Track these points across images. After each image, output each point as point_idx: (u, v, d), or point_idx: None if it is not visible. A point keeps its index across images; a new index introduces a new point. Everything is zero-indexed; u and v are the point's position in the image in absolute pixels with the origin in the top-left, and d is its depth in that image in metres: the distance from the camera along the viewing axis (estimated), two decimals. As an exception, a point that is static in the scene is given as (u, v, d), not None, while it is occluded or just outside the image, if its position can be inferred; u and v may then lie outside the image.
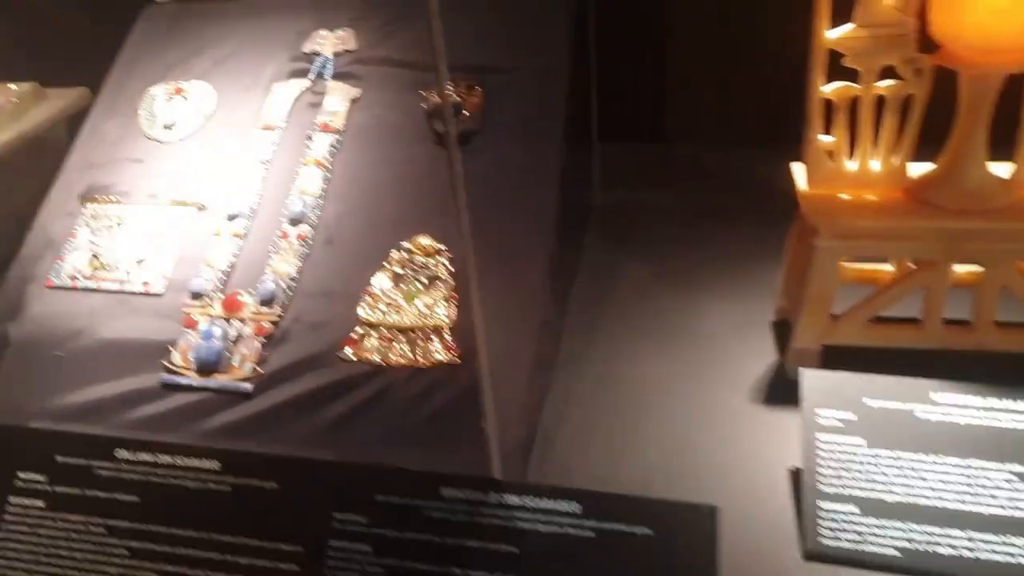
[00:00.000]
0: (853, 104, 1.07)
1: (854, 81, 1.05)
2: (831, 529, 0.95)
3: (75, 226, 1.39)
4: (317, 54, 1.48)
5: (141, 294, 1.30)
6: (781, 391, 1.19)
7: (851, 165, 1.10)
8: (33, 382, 1.24)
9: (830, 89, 1.06)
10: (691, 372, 1.25)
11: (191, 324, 1.24)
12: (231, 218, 1.33)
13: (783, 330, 1.28)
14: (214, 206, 1.36)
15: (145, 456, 1.04)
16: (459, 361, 1.14)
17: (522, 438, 1.10)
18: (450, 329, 1.17)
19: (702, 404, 1.19)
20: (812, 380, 1.03)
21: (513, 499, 0.92)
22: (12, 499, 1.04)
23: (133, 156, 1.45)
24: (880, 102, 1.06)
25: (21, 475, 1.06)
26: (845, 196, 1.11)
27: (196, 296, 1.26)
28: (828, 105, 1.08)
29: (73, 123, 1.76)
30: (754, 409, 1.18)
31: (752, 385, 1.21)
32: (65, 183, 1.46)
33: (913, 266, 1.13)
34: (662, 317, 1.36)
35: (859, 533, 0.95)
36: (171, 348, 1.22)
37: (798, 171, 1.16)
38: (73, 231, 1.38)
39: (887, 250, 1.11)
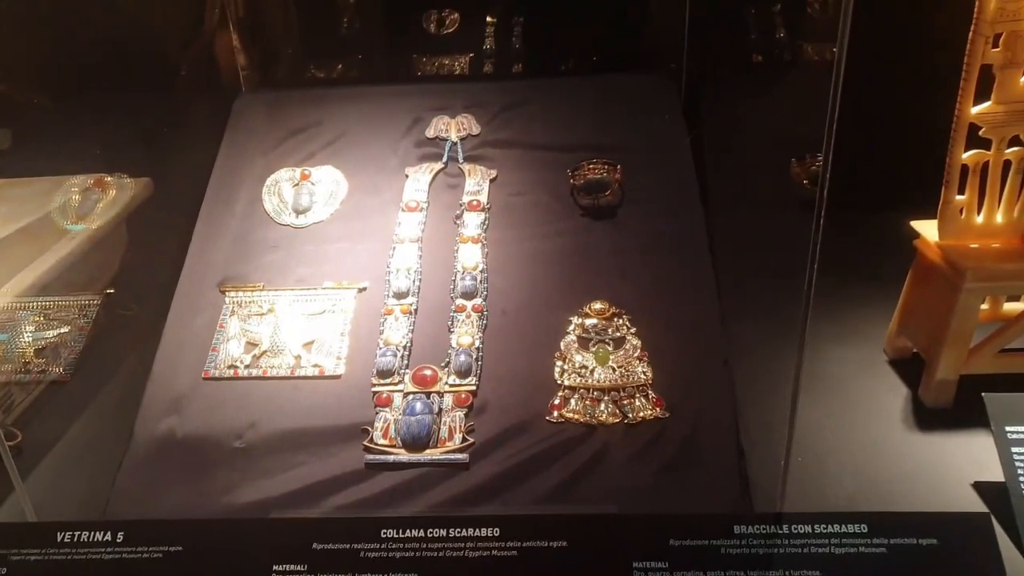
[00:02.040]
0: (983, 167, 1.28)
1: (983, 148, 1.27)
2: (1044, 531, 1.10)
3: (221, 315, 1.35)
4: (443, 139, 1.55)
5: (316, 377, 1.28)
6: (927, 420, 1.35)
7: (978, 219, 1.30)
8: (216, 478, 1.19)
9: (968, 156, 1.26)
10: (838, 411, 1.38)
11: (385, 403, 1.24)
12: (399, 296, 1.35)
13: (904, 368, 1.45)
14: (374, 286, 1.37)
15: (414, 532, 1.03)
16: (667, 415, 1.22)
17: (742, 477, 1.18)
18: (650, 386, 1.25)
19: (865, 439, 1.32)
20: (995, 401, 1.18)
21: (804, 528, 1.00)
22: (283, 592, 1.00)
23: (268, 243, 1.44)
24: (1006, 165, 1.27)
25: (277, 568, 1.01)
26: (975, 245, 1.30)
27: (384, 374, 1.26)
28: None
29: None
30: (912, 437, 1.32)
31: (901, 417, 1.36)
32: (192, 275, 1.41)
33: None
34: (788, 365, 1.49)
35: (1068, 531, 1.09)
36: (369, 428, 1.21)
37: (922, 227, 1.36)
38: (221, 321, 1.35)
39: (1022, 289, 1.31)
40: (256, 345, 1.31)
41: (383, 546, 1.02)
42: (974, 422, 1.30)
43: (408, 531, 1.03)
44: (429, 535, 1.02)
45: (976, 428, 1.30)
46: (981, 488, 1.20)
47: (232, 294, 1.37)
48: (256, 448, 1.21)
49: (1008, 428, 1.17)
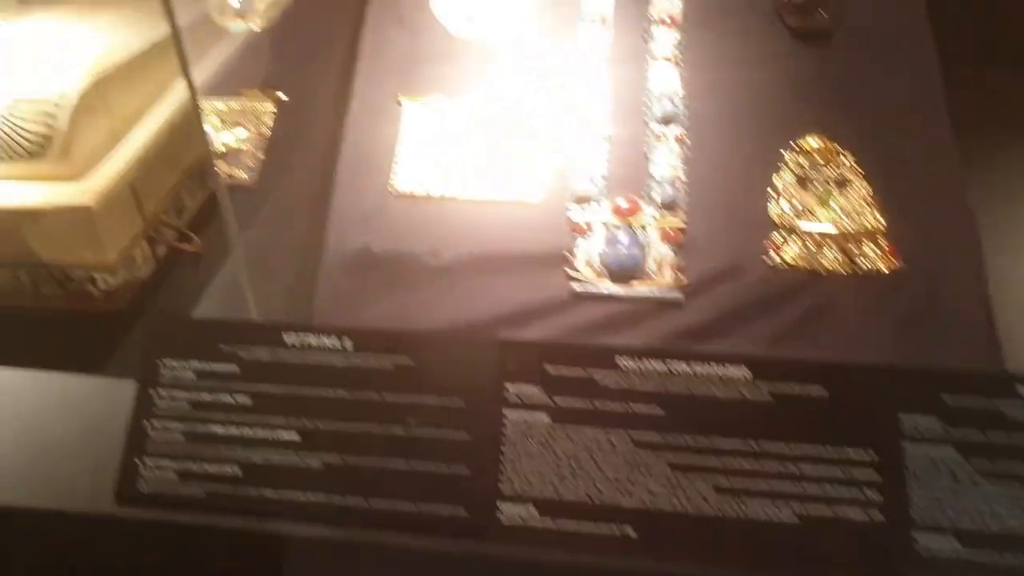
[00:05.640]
0: None
1: None
2: None
3: (400, 128, 1.22)
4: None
5: (509, 201, 1.16)
6: None
7: None
8: (416, 295, 1.10)
9: None
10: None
11: (582, 231, 1.12)
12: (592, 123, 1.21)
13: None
14: (564, 107, 1.22)
15: (655, 365, 0.93)
16: (903, 267, 1.10)
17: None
18: (883, 234, 1.13)
19: None
20: None
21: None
22: (508, 413, 0.91)
23: (440, 52, 1.27)
24: None
25: (509, 386, 0.93)
26: None
27: (582, 201, 1.14)
28: None
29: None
30: None
31: None
32: (369, 79, 1.27)
33: None
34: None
35: None
36: (569, 255, 1.11)
37: None
38: (402, 135, 1.21)
39: None
40: (442, 164, 1.18)
41: (621, 375, 0.93)
42: None
43: (647, 361, 0.93)
44: (671, 369, 0.93)
45: None
46: None
47: (409, 103, 1.23)
48: (453, 269, 1.11)
49: None
